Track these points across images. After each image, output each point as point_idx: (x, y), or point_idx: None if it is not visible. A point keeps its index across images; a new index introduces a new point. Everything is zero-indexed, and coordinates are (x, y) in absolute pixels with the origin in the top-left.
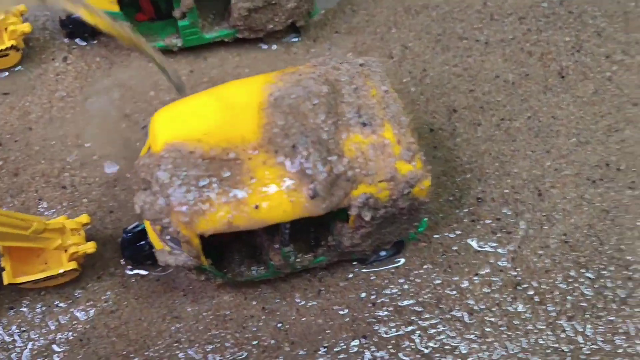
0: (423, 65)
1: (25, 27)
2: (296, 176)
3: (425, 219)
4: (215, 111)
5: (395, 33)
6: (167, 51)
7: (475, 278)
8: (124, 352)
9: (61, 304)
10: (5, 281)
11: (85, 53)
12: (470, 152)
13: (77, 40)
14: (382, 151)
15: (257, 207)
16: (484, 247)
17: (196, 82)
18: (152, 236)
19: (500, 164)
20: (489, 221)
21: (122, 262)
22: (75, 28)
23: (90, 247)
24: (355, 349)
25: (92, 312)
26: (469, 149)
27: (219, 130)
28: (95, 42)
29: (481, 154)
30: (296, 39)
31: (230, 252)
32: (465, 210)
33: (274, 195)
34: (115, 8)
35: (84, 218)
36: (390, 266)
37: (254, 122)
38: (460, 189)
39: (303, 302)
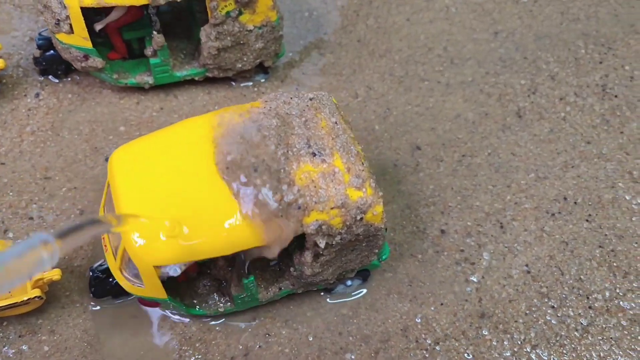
0: (387, 104)
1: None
2: (249, 206)
3: (389, 248)
4: (170, 149)
5: (360, 75)
6: (138, 88)
7: (440, 308)
8: None
9: (22, 334)
10: None
11: (57, 89)
12: (433, 187)
13: (50, 77)
14: (332, 179)
15: (210, 237)
16: (448, 278)
17: (166, 119)
18: (115, 273)
19: (463, 198)
20: (453, 252)
21: (90, 295)
22: (48, 65)
23: (55, 274)
24: None
25: (54, 340)
26: (432, 183)
27: (174, 169)
28: (68, 79)
29: (444, 188)
30: (264, 79)
31: (197, 287)
32: (429, 241)
33: (229, 224)
34: (88, 44)
35: None
36: (357, 296)
37: (207, 157)
38: (424, 221)
39: (270, 332)
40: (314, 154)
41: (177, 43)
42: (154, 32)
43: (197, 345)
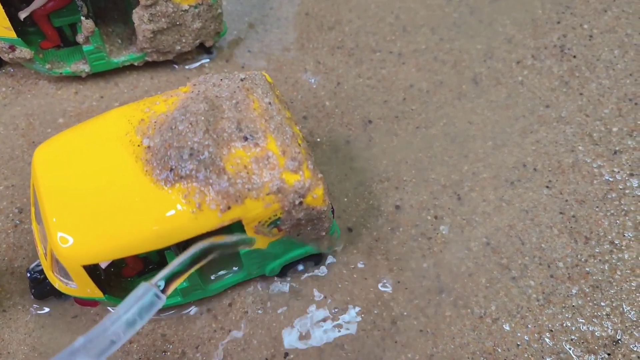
0: (337, 79)
1: None
2: (178, 197)
3: (338, 228)
4: (94, 143)
5: (308, 49)
6: (77, 77)
7: (397, 286)
8: None
9: None
10: None
11: None
12: (387, 161)
13: None
14: (266, 164)
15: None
16: (405, 254)
17: (107, 108)
18: (48, 274)
19: (418, 171)
20: (409, 228)
21: (32, 297)
22: None
23: None
24: None
25: None
26: (386, 158)
27: (99, 164)
28: (1, 71)
29: (398, 163)
30: (208, 60)
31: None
32: (384, 218)
33: (159, 218)
34: (12, 34)
35: None
36: (311, 274)
37: (133, 149)
38: (378, 198)
39: (221, 324)
40: (246, 138)
41: (113, 28)
42: (82, 18)
43: (143, 340)
